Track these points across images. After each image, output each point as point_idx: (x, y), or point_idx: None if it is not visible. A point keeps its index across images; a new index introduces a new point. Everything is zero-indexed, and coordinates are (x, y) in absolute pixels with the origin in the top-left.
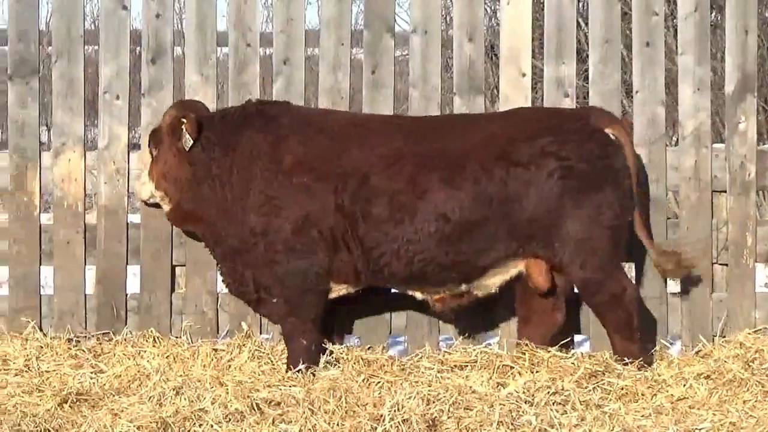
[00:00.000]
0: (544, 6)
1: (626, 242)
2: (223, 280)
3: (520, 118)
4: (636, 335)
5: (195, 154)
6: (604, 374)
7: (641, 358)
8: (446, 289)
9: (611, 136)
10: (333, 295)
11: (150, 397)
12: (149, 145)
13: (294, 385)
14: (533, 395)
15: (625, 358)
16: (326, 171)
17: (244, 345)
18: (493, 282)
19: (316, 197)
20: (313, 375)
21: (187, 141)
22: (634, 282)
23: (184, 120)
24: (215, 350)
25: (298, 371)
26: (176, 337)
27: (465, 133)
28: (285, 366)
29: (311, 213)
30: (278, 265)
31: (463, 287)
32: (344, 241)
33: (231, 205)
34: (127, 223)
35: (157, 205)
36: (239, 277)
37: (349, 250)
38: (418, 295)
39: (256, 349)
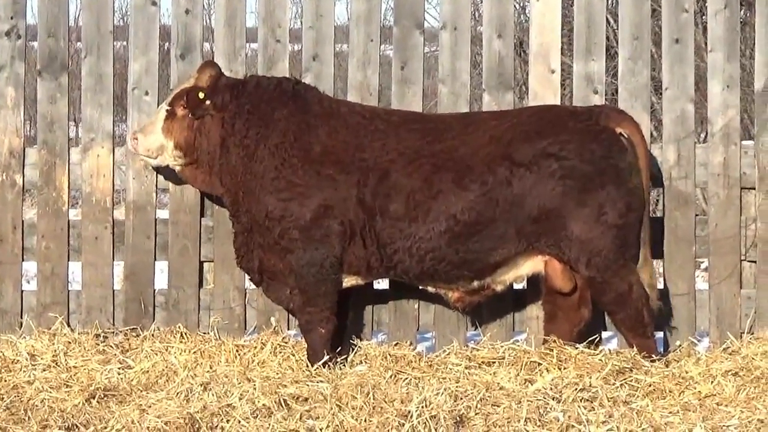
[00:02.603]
0: (573, 2)
1: (637, 240)
2: (235, 251)
3: (526, 118)
4: (649, 331)
5: (229, 121)
6: (631, 371)
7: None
8: (458, 285)
9: (621, 135)
10: (342, 286)
11: (177, 393)
12: (173, 104)
13: (321, 381)
14: (561, 392)
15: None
16: (350, 163)
17: (267, 341)
18: (506, 278)
19: (339, 189)
20: (340, 370)
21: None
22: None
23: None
24: (239, 346)
25: (322, 364)
26: (204, 333)
27: (474, 134)
28: (306, 359)
29: (333, 204)
30: (293, 254)
31: (476, 284)
32: (361, 235)
33: (252, 179)
34: (155, 219)
35: (172, 174)
36: (248, 254)
37: (365, 245)
38: (430, 289)
39: (278, 345)
